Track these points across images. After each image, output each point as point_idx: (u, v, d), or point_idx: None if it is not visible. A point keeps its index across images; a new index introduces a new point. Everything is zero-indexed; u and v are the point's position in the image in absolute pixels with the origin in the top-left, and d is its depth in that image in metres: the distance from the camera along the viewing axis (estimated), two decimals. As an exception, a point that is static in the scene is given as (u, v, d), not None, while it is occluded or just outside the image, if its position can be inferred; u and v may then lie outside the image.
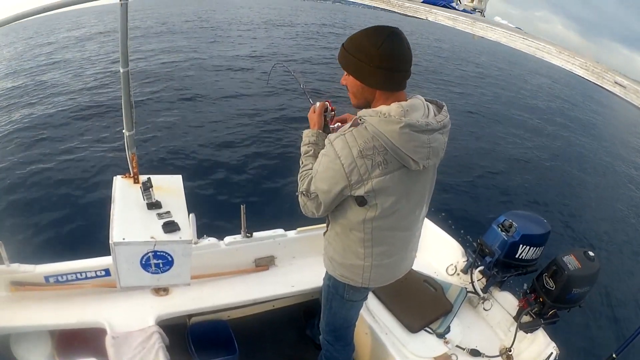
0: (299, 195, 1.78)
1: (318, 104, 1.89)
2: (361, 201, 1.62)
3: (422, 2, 2.10)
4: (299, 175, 1.80)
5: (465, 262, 3.11)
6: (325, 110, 1.90)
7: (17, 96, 8.29)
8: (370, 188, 1.56)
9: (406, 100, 1.56)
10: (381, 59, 1.50)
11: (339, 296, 2.02)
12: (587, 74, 1.66)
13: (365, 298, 2.16)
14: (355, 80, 1.59)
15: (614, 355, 2.21)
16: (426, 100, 1.65)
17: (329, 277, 2.03)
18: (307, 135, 1.86)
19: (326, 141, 1.61)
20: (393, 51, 1.49)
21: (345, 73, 1.62)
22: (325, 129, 1.90)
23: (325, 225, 1.93)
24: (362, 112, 1.55)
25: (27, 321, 2.25)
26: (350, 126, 1.57)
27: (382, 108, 1.52)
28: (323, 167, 1.61)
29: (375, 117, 1.50)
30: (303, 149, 1.85)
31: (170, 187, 2.42)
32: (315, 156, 1.77)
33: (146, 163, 5.59)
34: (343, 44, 1.59)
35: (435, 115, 1.62)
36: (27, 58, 10.79)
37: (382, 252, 1.80)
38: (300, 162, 1.83)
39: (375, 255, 1.79)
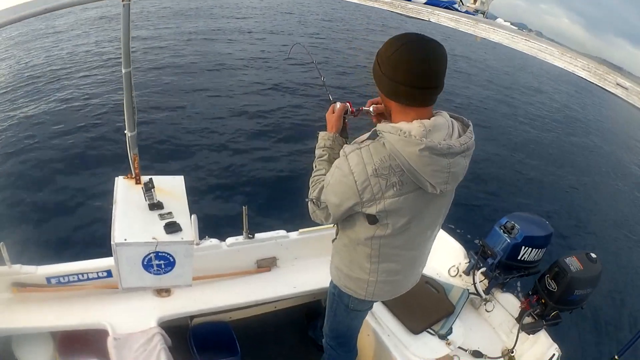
0: (309, 202, 1.69)
1: (339, 104, 1.74)
2: (372, 220, 1.54)
3: (424, 4, 2.10)
4: (310, 180, 1.71)
5: (468, 264, 3.10)
6: (345, 112, 1.75)
7: (16, 94, 8.27)
8: (382, 208, 1.47)
9: (430, 118, 1.42)
10: (389, 68, 1.38)
11: (344, 305, 1.96)
12: (590, 75, 1.66)
13: (371, 307, 2.12)
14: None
15: (616, 357, 2.21)
16: (451, 116, 1.52)
17: (334, 286, 1.97)
18: (323, 138, 1.74)
19: (341, 152, 1.51)
20: (402, 63, 1.34)
21: None
22: (343, 133, 1.76)
23: (334, 230, 1.84)
24: (381, 127, 1.43)
25: (29, 323, 2.24)
26: (368, 138, 1.48)
27: (403, 125, 1.39)
28: (335, 179, 1.52)
29: (395, 135, 1.37)
30: (317, 152, 1.74)
31: (172, 188, 2.42)
32: (329, 161, 1.67)
33: (148, 164, 5.58)
34: None
35: (460, 135, 1.48)
36: (26, 55, 10.75)
37: (389, 270, 1.74)
38: (314, 166, 1.73)
39: (380, 271, 1.73)
